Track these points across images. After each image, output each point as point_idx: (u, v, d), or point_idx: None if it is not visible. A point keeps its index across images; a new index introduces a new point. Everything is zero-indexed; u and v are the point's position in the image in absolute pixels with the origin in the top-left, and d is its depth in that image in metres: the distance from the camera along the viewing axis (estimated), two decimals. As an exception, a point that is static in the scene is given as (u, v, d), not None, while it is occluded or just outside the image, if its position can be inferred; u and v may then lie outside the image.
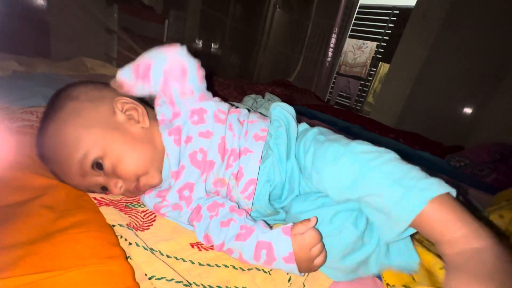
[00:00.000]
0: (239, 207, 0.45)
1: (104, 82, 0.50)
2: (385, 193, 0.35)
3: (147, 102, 0.52)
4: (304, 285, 0.38)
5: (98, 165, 0.42)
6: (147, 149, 0.46)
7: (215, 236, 0.41)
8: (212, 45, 3.18)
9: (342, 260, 0.38)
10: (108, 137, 0.43)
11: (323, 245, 0.37)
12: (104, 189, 0.45)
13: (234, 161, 0.45)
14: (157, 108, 0.48)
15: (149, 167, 0.45)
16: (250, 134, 0.48)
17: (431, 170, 1.07)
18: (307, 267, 0.37)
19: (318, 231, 0.37)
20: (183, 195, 0.44)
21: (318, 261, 0.37)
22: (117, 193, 0.45)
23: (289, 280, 0.39)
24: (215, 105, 0.48)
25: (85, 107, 0.44)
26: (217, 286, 0.36)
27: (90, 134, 0.42)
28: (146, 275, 0.34)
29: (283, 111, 0.51)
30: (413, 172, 0.36)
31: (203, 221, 0.43)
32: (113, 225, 0.40)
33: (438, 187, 0.34)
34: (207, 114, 0.46)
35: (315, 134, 0.47)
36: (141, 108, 0.48)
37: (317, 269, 0.38)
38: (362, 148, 0.40)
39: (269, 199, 0.47)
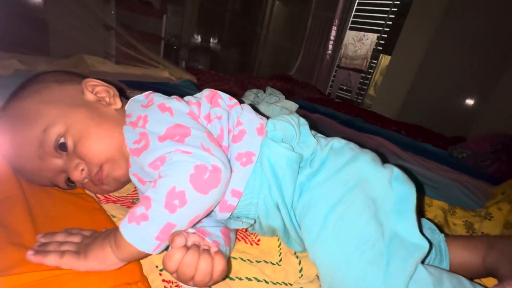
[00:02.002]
0: None
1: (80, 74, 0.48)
2: None
3: (124, 93, 0.49)
4: (318, 277, 0.38)
5: (61, 146, 0.37)
6: (117, 131, 0.40)
7: None
8: (211, 40, 3.16)
9: None
10: (73, 112, 0.39)
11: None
12: (70, 182, 0.41)
13: None
14: None
15: (116, 153, 0.40)
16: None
17: (433, 161, 1.07)
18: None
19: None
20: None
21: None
22: (78, 178, 0.38)
23: (300, 270, 0.40)
24: None
25: (48, 86, 0.40)
26: (227, 277, 0.37)
27: (51, 109, 0.38)
28: (157, 267, 0.35)
29: (277, 157, 0.38)
30: None
31: None
32: (123, 220, 0.41)
33: None
34: None
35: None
36: (113, 90, 0.45)
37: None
38: None
39: None
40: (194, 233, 0.33)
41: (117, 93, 0.46)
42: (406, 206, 0.34)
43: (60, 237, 0.33)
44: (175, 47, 2.75)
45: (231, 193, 0.38)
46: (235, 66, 3.32)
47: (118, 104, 0.44)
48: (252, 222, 0.40)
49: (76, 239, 0.33)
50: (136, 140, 0.37)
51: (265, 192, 0.38)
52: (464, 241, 0.44)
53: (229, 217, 0.40)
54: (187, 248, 0.29)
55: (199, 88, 1.54)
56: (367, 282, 0.30)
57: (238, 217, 0.40)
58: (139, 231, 0.29)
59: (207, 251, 0.30)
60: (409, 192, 0.35)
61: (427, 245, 0.32)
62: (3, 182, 0.38)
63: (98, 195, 0.46)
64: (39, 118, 0.37)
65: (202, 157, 0.32)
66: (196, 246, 0.30)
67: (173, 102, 0.40)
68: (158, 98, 0.41)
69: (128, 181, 0.45)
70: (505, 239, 0.41)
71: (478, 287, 0.33)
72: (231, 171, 0.35)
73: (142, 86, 1.20)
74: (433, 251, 0.42)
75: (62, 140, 0.37)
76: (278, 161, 0.37)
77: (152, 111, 0.39)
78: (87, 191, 0.46)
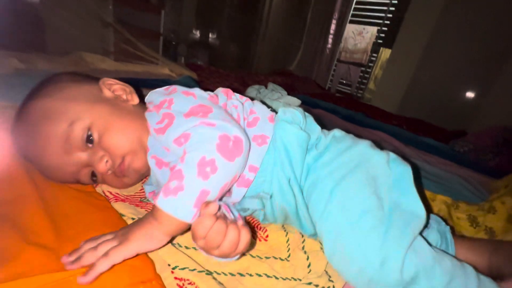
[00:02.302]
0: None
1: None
2: None
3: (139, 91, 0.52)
4: (326, 272, 0.39)
5: (87, 139, 0.39)
6: (136, 124, 0.43)
7: None
8: (210, 35, 3.13)
9: None
10: (95, 107, 0.41)
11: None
12: (93, 176, 0.43)
13: None
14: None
15: (137, 145, 0.42)
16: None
17: (435, 155, 1.08)
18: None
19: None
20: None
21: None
22: (103, 169, 0.40)
23: (308, 266, 0.40)
24: None
25: (68, 85, 0.42)
26: (238, 273, 0.37)
27: (74, 105, 0.40)
28: (169, 265, 0.35)
29: (289, 136, 0.41)
30: None
31: None
32: (133, 218, 0.41)
33: None
34: None
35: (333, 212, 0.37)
36: (129, 88, 0.48)
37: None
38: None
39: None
40: (221, 206, 0.33)
41: (133, 90, 0.48)
42: (405, 181, 0.38)
43: (90, 245, 0.32)
44: (173, 43, 2.72)
45: (248, 168, 0.40)
46: (234, 62, 3.29)
47: (136, 100, 0.47)
48: (268, 197, 0.41)
49: (108, 237, 0.33)
50: (159, 120, 0.40)
51: (278, 170, 0.41)
52: (469, 242, 0.45)
53: (244, 197, 0.42)
54: (216, 217, 0.30)
55: (199, 85, 1.54)
56: (367, 246, 0.33)
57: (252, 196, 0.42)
58: (177, 202, 0.31)
59: (234, 222, 0.31)
60: (406, 170, 0.39)
61: (424, 213, 0.35)
62: (15, 180, 0.39)
63: (107, 194, 0.47)
64: (64, 114, 0.39)
65: (225, 128, 0.35)
66: (224, 217, 0.31)
67: (195, 89, 0.45)
68: (180, 87, 0.45)
69: (146, 174, 0.47)
70: (510, 243, 0.42)
71: (482, 277, 0.34)
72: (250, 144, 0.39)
73: (142, 83, 1.19)
74: (438, 236, 0.43)
75: (88, 133, 0.39)
76: (290, 140, 0.41)
77: (177, 95, 0.42)
78: (97, 190, 0.46)
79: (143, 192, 0.51)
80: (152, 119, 0.41)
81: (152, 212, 0.33)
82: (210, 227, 0.29)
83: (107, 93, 0.45)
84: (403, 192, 0.37)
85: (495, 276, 0.39)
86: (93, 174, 0.42)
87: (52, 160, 0.39)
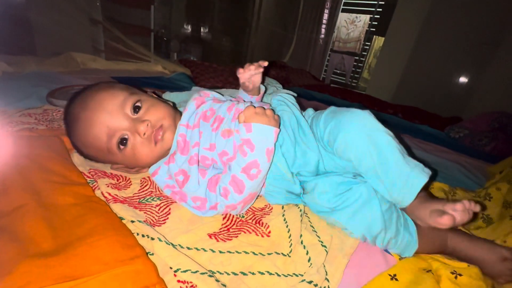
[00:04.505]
0: None
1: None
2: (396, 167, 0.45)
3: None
4: (324, 266, 0.39)
5: (135, 108, 0.52)
6: (172, 108, 0.58)
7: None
8: (202, 29, 3.08)
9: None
10: (143, 94, 0.57)
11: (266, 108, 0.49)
12: (121, 144, 0.51)
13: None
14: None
15: (172, 121, 0.55)
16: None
17: (431, 143, 1.08)
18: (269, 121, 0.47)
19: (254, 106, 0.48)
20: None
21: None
22: (143, 130, 0.50)
23: (309, 260, 0.41)
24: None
25: (121, 84, 0.57)
26: (240, 272, 0.37)
27: (132, 89, 0.55)
28: (171, 268, 0.35)
29: (283, 99, 0.60)
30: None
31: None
32: (132, 221, 0.41)
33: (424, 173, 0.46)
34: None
35: (332, 110, 0.54)
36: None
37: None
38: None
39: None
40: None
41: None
42: None
43: None
44: (165, 38, 2.67)
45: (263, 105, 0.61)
46: (228, 55, 3.25)
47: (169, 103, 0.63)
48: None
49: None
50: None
51: (284, 107, 0.58)
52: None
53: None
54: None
55: (193, 81, 1.51)
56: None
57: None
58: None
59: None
60: None
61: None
62: (14, 192, 0.38)
63: (106, 195, 0.47)
64: (124, 90, 0.53)
65: None
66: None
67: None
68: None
69: (164, 154, 0.54)
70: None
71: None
72: None
73: (136, 81, 1.17)
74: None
75: (138, 104, 0.52)
76: (287, 95, 0.61)
77: None
78: (96, 193, 0.47)
79: (141, 193, 0.51)
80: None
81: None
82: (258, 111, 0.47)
83: (149, 93, 0.61)
84: None
85: (450, 253, 0.49)
86: (122, 143, 0.51)
87: (107, 113, 0.49)
